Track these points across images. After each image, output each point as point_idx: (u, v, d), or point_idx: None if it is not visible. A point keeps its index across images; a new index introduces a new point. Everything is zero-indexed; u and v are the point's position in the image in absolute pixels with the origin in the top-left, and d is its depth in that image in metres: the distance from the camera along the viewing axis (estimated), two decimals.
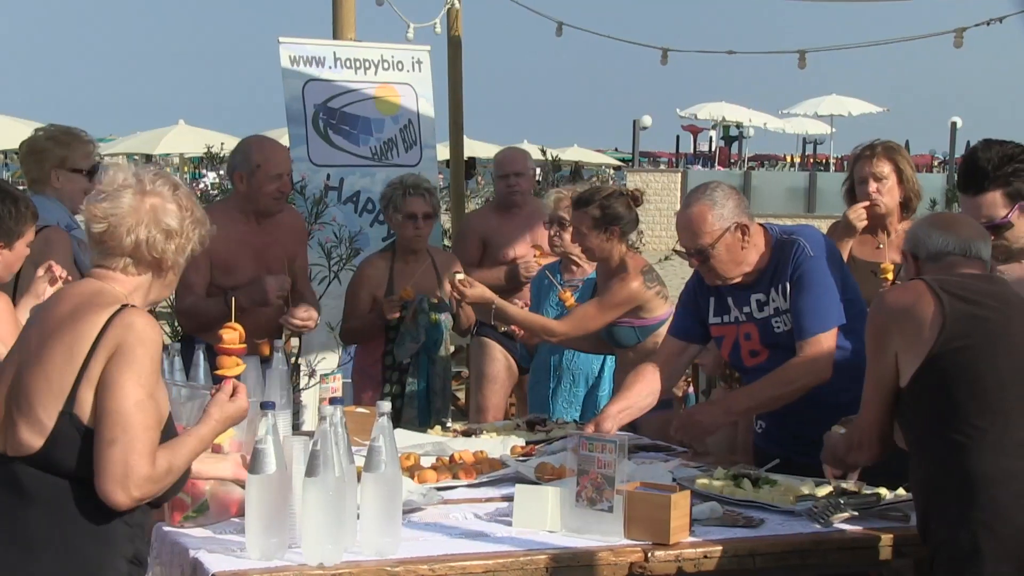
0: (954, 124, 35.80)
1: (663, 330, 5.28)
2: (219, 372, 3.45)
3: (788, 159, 50.08)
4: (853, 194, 5.27)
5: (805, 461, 4.07)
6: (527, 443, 4.68)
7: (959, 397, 3.19)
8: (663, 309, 5.25)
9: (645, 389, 4.49)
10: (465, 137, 10.27)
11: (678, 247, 4.43)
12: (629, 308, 5.20)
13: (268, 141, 5.69)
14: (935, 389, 3.23)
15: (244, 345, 3.57)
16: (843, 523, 3.63)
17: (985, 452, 3.13)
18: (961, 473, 3.15)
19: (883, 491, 3.78)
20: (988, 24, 8.99)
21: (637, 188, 5.43)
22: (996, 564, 3.04)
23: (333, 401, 3.26)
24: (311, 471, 3.13)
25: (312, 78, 7.50)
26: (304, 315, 5.44)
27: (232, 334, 3.57)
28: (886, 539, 3.59)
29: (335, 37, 8.23)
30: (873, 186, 5.13)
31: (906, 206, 5.20)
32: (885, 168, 5.14)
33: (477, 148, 30.65)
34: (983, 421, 3.16)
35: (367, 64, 7.73)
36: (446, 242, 8.86)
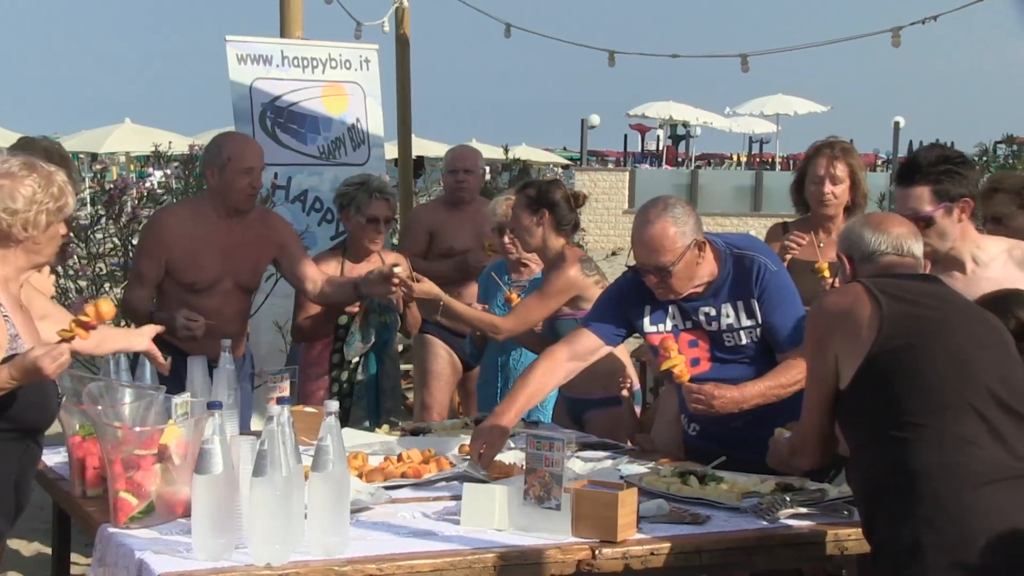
0: (897, 124, 36.19)
1: None
2: (61, 332, 3.55)
3: (735, 158, 50.36)
4: (802, 190, 5.31)
5: (742, 457, 4.12)
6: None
7: (898, 395, 3.21)
8: None
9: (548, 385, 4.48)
10: (413, 136, 10.27)
11: (631, 263, 4.42)
12: (569, 297, 5.17)
13: (240, 136, 5.71)
14: (875, 389, 3.25)
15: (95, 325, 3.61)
16: (788, 519, 3.67)
17: (925, 448, 3.16)
18: (902, 470, 3.16)
19: (828, 487, 3.83)
20: (924, 23, 9.11)
21: (582, 191, 5.45)
22: (937, 559, 3.07)
23: (280, 401, 3.25)
24: (258, 471, 3.12)
25: (259, 76, 7.46)
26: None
27: (96, 313, 3.57)
28: (831, 535, 3.63)
29: (282, 35, 8.19)
30: (829, 187, 5.19)
31: (851, 209, 5.26)
32: (842, 170, 5.20)
33: (425, 147, 30.61)
34: (922, 418, 3.18)
35: (315, 63, 7.70)
36: (394, 240, 8.85)
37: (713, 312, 4.33)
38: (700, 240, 4.26)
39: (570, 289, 5.17)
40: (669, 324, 4.38)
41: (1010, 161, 17.94)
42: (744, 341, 4.30)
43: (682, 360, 4.25)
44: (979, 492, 3.10)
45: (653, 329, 4.41)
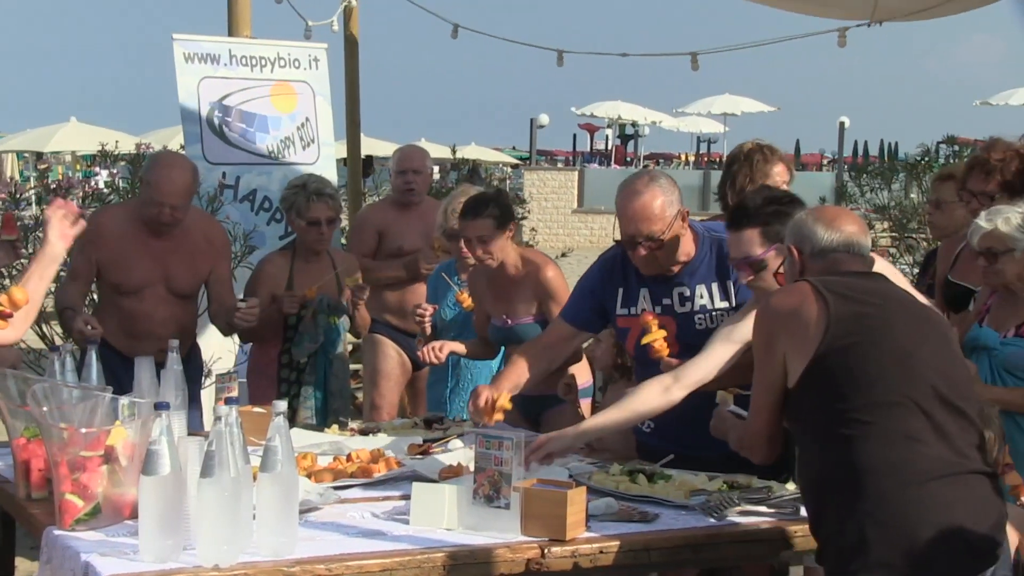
0: (842, 124, 36.57)
1: None
2: None
3: (683, 157, 50.61)
4: (733, 190, 5.28)
5: (696, 455, 4.14)
6: (424, 441, 4.69)
7: (845, 393, 3.24)
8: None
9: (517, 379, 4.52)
10: (363, 135, 10.25)
11: (617, 236, 4.38)
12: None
13: (168, 166, 5.49)
14: (822, 387, 3.28)
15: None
16: (736, 517, 3.70)
17: (871, 445, 3.19)
18: (849, 466, 3.20)
19: (775, 484, 3.86)
20: (869, 25, 9.20)
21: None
22: (882, 554, 3.11)
23: (229, 401, 3.24)
24: (206, 472, 3.11)
25: (207, 75, 7.42)
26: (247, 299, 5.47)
27: (9, 302, 3.58)
28: (777, 532, 3.67)
29: (230, 34, 8.15)
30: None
31: None
32: (785, 174, 5.24)
33: (375, 146, 30.53)
34: (868, 415, 3.21)
35: (263, 62, 7.67)
36: (343, 240, 8.83)
37: (687, 292, 4.37)
38: (684, 211, 4.33)
39: (565, 286, 5.18)
40: (640, 308, 4.42)
41: (952, 161, 18.14)
42: (715, 324, 4.31)
43: (663, 335, 4.31)
44: (924, 488, 3.15)
45: (624, 312, 4.45)
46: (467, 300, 5.61)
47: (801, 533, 3.65)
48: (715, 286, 4.37)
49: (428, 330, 5.75)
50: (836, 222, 3.54)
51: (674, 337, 4.37)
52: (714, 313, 4.35)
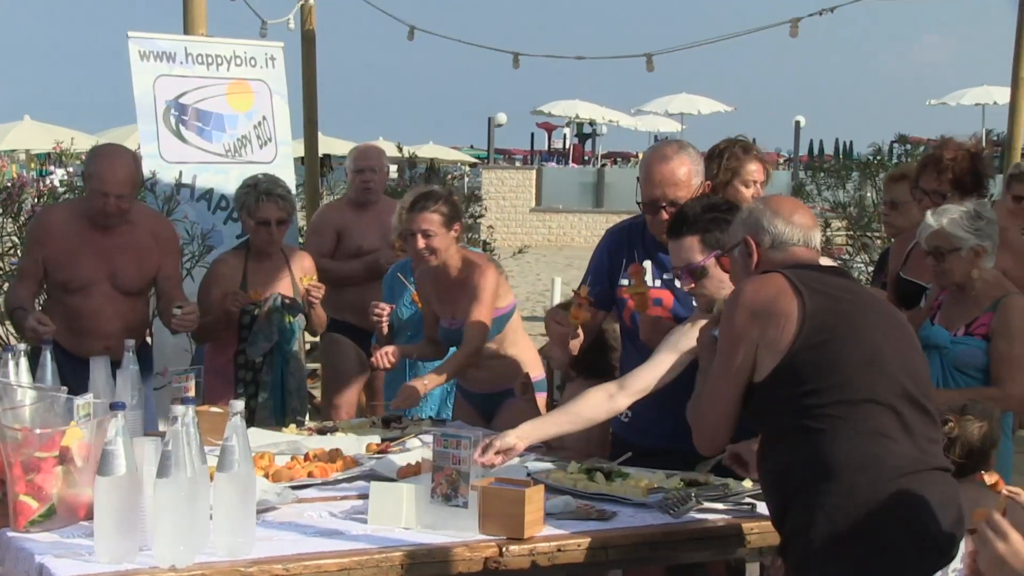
0: (798, 123, 36.87)
1: (516, 318, 5.35)
2: None
3: (640, 156, 50.70)
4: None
5: (674, 447, 4.12)
6: (382, 440, 4.69)
7: (817, 388, 3.24)
8: (510, 298, 5.33)
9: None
10: (320, 134, 10.21)
11: (640, 199, 4.40)
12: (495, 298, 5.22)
13: (110, 157, 5.45)
14: (794, 381, 3.27)
15: None
16: (693, 514, 3.71)
17: (843, 441, 3.20)
18: (820, 461, 3.20)
19: (731, 482, 3.89)
20: (821, 14, 9.26)
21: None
22: (852, 549, 3.12)
23: (185, 401, 3.22)
24: (162, 472, 3.09)
25: (163, 74, 7.37)
26: (183, 304, 5.38)
27: None
28: (734, 529, 3.69)
29: (186, 32, 8.09)
30: (753, 190, 5.25)
31: None
32: (761, 173, 5.27)
33: (332, 145, 30.46)
34: (840, 411, 3.22)
35: (220, 60, 7.62)
36: (301, 240, 8.80)
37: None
38: (707, 183, 4.42)
39: (497, 290, 5.20)
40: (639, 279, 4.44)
41: (904, 160, 18.32)
42: None
43: (646, 290, 4.34)
44: (894, 484, 3.17)
45: (625, 283, 4.47)
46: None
47: (758, 530, 3.68)
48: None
49: (385, 329, 5.75)
50: (794, 215, 3.54)
51: (668, 310, 4.40)
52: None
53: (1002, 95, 21.86)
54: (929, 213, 4.66)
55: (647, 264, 4.44)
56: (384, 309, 5.74)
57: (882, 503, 3.15)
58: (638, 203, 4.45)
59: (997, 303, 4.59)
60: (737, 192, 5.10)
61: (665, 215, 4.33)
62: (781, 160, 43.71)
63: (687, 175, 4.33)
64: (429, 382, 5.10)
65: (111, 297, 5.45)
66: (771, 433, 3.38)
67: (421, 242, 5.17)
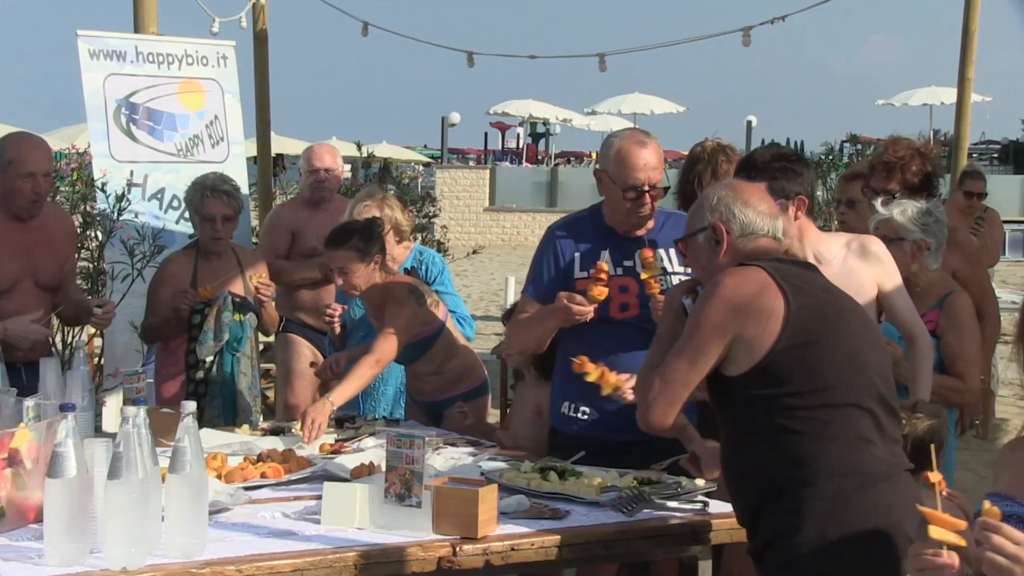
0: (749, 123, 37.09)
1: (448, 331, 5.31)
2: None
3: (594, 156, 50.83)
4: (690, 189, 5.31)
5: (652, 438, 4.12)
6: (336, 441, 4.68)
7: (800, 390, 3.18)
8: (439, 316, 5.28)
9: None
10: (273, 133, 10.18)
11: (623, 187, 4.36)
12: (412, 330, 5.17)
13: (25, 139, 5.40)
14: (777, 382, 3.19)
15: None
16: (646, 512, 3.73)
17: (828, 444, 3.16)
18: (805, 465, 3.15)
19: (684, 480, 3.90)
20: (772, 23, 9.34)
21: (379, 218, 5.38)
22: (842, 553, 3.10)
23: (137, 402, 3.21)
24: (113, 473, 3.07)
25: (113, 72, 7.32)
26: (101, 303, 5.32)
27: None
28: (686, 527, 3.71)
29: (136, 31, 8.05)
30: None
31: None
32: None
33: (285, 144, 30.34)
34: (825, 414, 3.17)
35: (171, 58, 7.58)
36: (255, 240, 8.76)
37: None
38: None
39: (412, 321, 5.15)
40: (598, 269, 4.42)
41: (855, 160, 18.47)
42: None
43: (659, 271, 4.34)
44: (876, 488, 3.16)
45: (583, 274, 4.44)
46: None
47: (711, 528, 3.70)
48: (672, 252, 4.41)
49: (337, 329, 5.74)
50: (762, 204, 3.46)
51: (635, 295, 4.40)
52: (673, 277, 4.37)
53: (949, 95, 22.09)
54: (880, 202, 4.72)
55: (605, 254, 4.42)
56: (336, 310, 5.73)
57: (867, 508, 3.14)
58: (630, 189, 4.39)
59: (943, 300, 4.64)
60: None
61: (648, 199, 4.35)
62: None
63: (661, 159, 4.40)
64: (337, 399, 4.94)
65: (34, 295, 5.33)
66: (745, 431, 3.29)
67: (339, 279, 5.14)
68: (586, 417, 4.45)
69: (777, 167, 4.12)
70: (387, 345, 5.04)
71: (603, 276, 4.34)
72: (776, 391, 3.19)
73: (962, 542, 2.38)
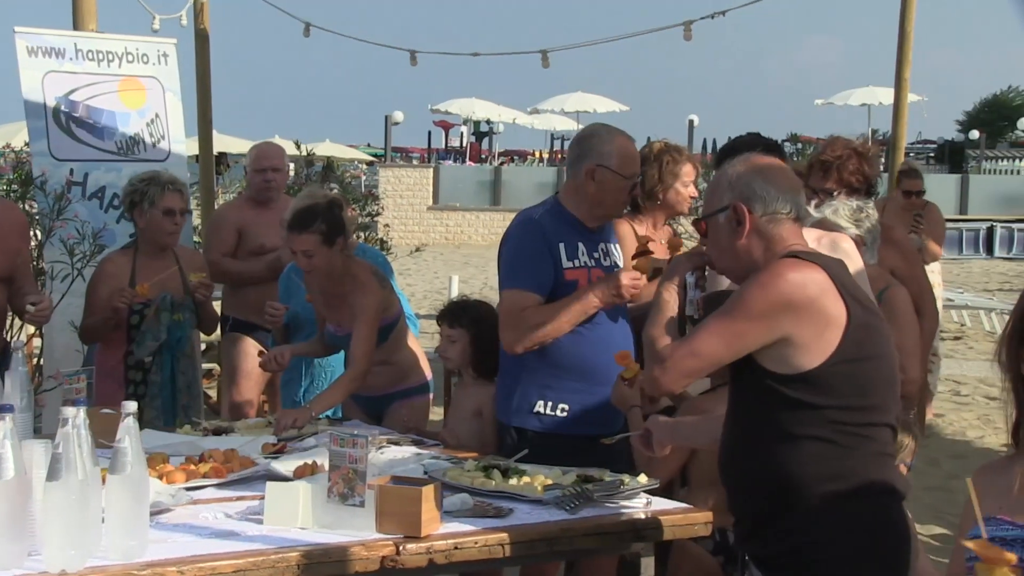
0: (691, 122, 37.34)
1: (401, 326, 5.32)
2: None
3: (537, 155, 50.91)
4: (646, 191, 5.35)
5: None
6: (279, 440, 4.66)
7: (850, 406, 3.11)
8: (396, 307, 5.30)
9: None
10: (215, 132, 10.11)
11: (625, 176, 4.57)
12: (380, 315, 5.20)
13: None
14: (826, 393, 3.10)
15: None
16: (589, 510, 3.74)
17: (868, 461, 3.14)
18: (845, 478, 3.10)
19: (626, 477, 3.93)
20: (713, 17, 9.39)
21: (335, 194, 5.37)
22: (880, 567, 3.11)
23: (76, 402, 3.18)
24: (52, 475, 3.04)
25: (52, 70, 7.25)
26: (37, 300, 5.24)
27: None
28: (629, 524, 3.73)
29: (76, 28, 7.97)
30: (690, 189, 5.34)
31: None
32: (692, 174, 5.38)
33: (227, 143, 30.14)
34: (870, 432, 3.14)
35: (111, 56, 7.51)
36: (197, 239, 8.71)
37: (607, 248, 4.67)
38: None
39: (381, 307, 5.17)
40: (581, 259, 4.57)
41: (796, 159, 18.65)
42: None
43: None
44: (900, 506, 3.20)
45: (570, 264, 4.53)
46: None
47: (653, 525, 3.73)
48: (616, 246, 4.71)
49: (276, 324, 5.72)
50: (784, 181, 3.32)
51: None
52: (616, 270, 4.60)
53: (887, 96, 22.33)
54: (814, 204, 4.80)
55: (580, 245, 4.56)
56: (279, 309, 5.71)
57: (896, 525, 3.16)
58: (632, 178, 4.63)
59: (881, 295, 4.70)
60: (677, 194, 5.34)
61: (631, 187, 4.63)
62: None
63: None
64: (317, 408, 4.99)
65: None
66: (772, 432, 3.16)
67: (302, 261, 5.13)
68: (565, 414, 4.50)
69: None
70: (364, 348, 5.07)
71: (646, 248, 4.59)
72: (822, 402, 3.09)
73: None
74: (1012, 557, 2.13)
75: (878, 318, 3.24)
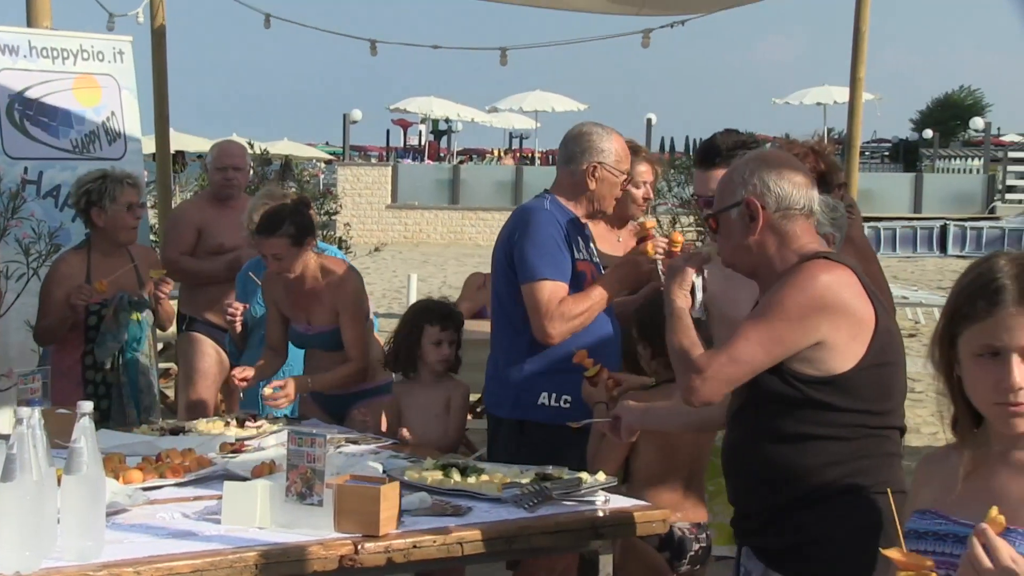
0: (649, 120, 37.50)
1: (370, 321, 5.34)
2: None
3: (496, 153, 50.96)
4: None
5: None
6: (237, 440, 4.65)
7: (873, 410, 3.14)
8: (367, 304, 5.31)
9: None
10: (172, 130, 10.06)
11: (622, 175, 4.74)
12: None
13: None
14: (851, 397, 3.12)
15: None
16: (547, 508, 3.75)
17: (884, 462, 3.17)
18: (865, 475, 3.12)
19: (584, 475, 3.94)
20: (672, 27, 9.42)
21: (302, 194, 5.40)
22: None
23: (31, 403, 3.16)
24: (7, 476, 3.02)
25: (5, 67, 7.19)
26: None
27: None
28: (587, 522, 3.73)
29: (29, 25, 7.90)
30: (643, 190, 5.37)
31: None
32: (650, 174, 5.40)
33: (185, 141, 29.99)
34: (887, 434, 3.17)
35: (65, 54, 7.46)
36: (154, 237, 8.66)
37: (591, 245, 4.77)
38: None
39: (362, 295, 5.22)
40: (583, 252, 4.69)
41: None
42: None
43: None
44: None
45: (580, 256, 4.65)
46: None
47: (611, 523, 3.74)
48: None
49: (239, 328, 5.70)
50: (796, 175, 3.29)
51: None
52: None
53: (842, 95, 22.49)
54: None
55: (580, 239, 4.67)
56: (238, 308, 5.69)
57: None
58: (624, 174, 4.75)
59: None
60: (630, 194, 5.30)
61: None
62: None
63: None
64: (316, 385, 5.19)
65: None
66: (791, 428, 3.15)
67: (273, 265, 5.15)
68: (568, 405, 4.55)
69: (740, 154, 4.19)
70: (359, 343, 5.19)
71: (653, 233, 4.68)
72: (847, 405, 3.10)
73: None
74: (930, 563, 2.14)
75: (895, 323, 3.25)
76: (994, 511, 2.03)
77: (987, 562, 1.96)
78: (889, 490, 2.62)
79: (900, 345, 3.23)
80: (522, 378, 4.61)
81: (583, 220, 4.73)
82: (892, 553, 2.18)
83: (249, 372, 5.27)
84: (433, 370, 5.07)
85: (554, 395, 4.58)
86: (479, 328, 6.60)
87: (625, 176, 4.74)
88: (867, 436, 3.15)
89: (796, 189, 3.24)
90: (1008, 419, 2.19)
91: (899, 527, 2.27)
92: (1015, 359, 2.17)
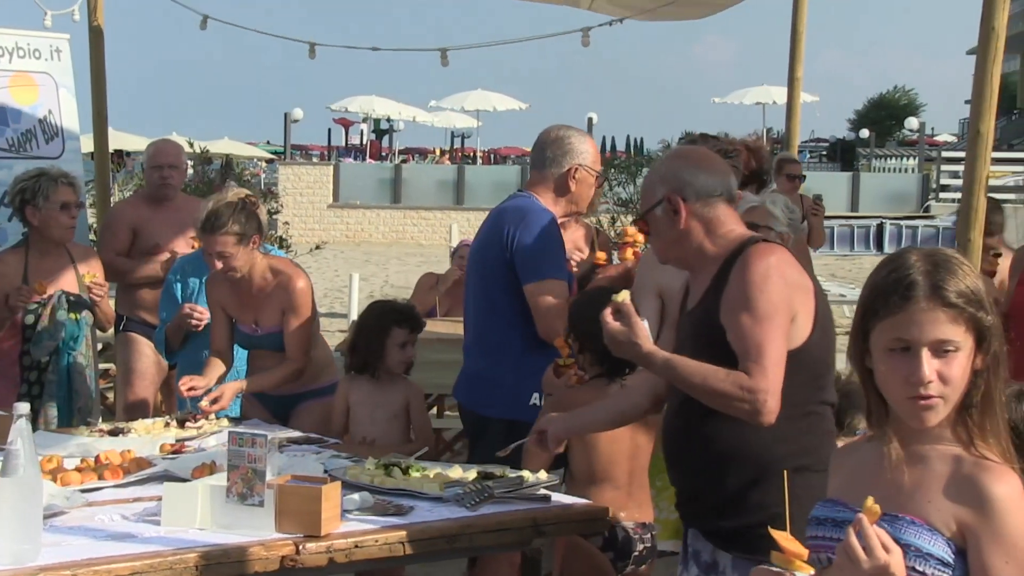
0: (590, 120, 37.64)
1: (317, 321, 5.33)
2: None
3: (437, 152, 50.92)
4: None
5: None
6: (177, 441, 4.62)
7: (814, 384, 3.22)
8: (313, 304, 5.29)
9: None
10: (111, 129, 9.96)
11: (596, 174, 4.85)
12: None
13: None
14: (798, 369, 3.17)
15: None
16: (489, 506, 3.76)
17: (824, 438, 3.21)
18: (810, 454, 3.17)
19: (526, 474, 3.95)
20: (611, 25, 9.44)
21: (250, 194, 5.31)
22: None
23: None
24: None
25: None
26: None
27: None
28: (529, 520, 3.75)
29: None
30: None
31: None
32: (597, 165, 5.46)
33: (124, 140, 29.72)
34: (823, 409, 3.25)
35: (1, 51, 7.38)
36: (93, 237, 8.57)
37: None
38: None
39: (311, 296, 5.22)
40: (567, 252, 4.85)
41: None
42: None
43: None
44: None
45: (566, 256, 4.82)
46: None
47: (553, 520, 3.75)
48: None
49: (200, 328, 5.59)
50: (713, 164, 3.39)
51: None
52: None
53: (780, 95, 22.67)
54: (751, 189, 4.98)
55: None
56: (204, 313, 5.58)
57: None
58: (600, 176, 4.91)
59: None
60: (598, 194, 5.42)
61: None
62: None
63: None
64: (251, 387, 5.16)
65: None
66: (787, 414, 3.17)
67: (219, 264, 5.04)
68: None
69: None
70: (303, 344, 5.18)
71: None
72: (794, 379, 3.14)
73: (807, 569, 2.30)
74: (805, 553, 2.26)
75: (825, 298, 3.33)
76: (870, 501, 2.13)
77: (860, 551, 2.08)
78: (785, 472, 2.66)
79: (829, 316, 3.29)
80: (516, 378, 4.62)
81: (560, 220, 4.80)
82: (776, 534, 2.29)
83: (199, 381, 5.08)
84: (391, 371, 5.04)
85: (540, 395, 4.60)
86: (430, 328, 6.60)
87: (598, 175, 4.85)
88: (810, 413, 3.22)
89: (712, 177, 3.36)
90: (918, 412, 2.24)
91: (787, 509, 2.40)
92: (925, 353, 2.22)
